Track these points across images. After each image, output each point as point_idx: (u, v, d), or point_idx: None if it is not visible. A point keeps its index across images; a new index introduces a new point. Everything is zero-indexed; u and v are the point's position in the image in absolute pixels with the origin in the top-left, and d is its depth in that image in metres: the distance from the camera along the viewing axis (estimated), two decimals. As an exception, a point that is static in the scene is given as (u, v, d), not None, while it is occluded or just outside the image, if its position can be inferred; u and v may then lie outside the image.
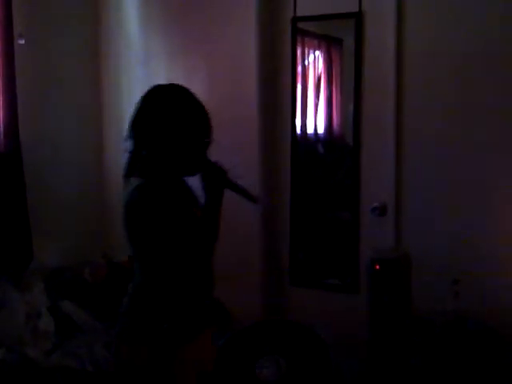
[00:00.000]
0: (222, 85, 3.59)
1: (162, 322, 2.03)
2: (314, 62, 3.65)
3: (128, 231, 2.01)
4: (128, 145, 2.06)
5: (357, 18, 3.30)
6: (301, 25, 3.50)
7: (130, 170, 2.05)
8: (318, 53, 3.66)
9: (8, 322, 3.02)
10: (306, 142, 3.64)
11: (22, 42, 3.32)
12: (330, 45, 3.67)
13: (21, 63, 3.36)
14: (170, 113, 2.01)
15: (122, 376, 2.11)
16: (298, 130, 3.59)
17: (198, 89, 3.53)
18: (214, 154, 2.14)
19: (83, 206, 3.83)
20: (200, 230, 2.03)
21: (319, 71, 3.65)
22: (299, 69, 3.58)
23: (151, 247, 2.00)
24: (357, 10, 3.29)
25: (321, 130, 3.67)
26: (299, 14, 3.47)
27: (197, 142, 2.04)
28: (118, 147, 3.82)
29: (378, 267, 2.89)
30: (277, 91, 3.60)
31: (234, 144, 3.52)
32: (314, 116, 3.64)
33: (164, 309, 2.06)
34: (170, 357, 2.03)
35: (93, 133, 3.95)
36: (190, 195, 2.14)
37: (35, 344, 3.01)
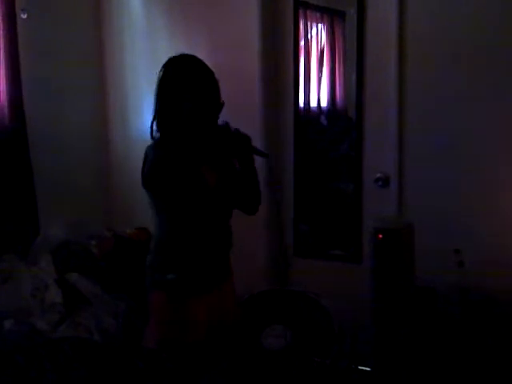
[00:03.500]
0: (223, 59, 3.52)
1: (169, 272, 2.23)
2: (317, 35, 3.64)
3: (144, 186, 2.21)
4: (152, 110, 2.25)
5: (358, -11, 3.27)
6: (303, -3, 3.47)
7: (152, 131, 2.25)
8: (320, 26, 3.65)
9: (16, 295, 3.04)
10: (309, 114, 3.66)
11: (25, 16, 3.30)
12: (332, 18, 3.66)
13: (23, 38, 3.35)
14: (182, 78, 2.20)
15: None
16: (301, 104, 3.60)
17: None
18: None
19: (88, 181, 3.84)
20: (204, 188, 2.18)
21: (322, 44, 3.64)
22: (302, 42, 3.57)
23: (160, 199, 2.21)
24: (358, -20, 3.26)
25: (324, 102, 3.67)
26: (300, -15, 3.44)
27: (207, 105, 2.21)
28: (123, 120, 3.91)
29: (380, 236, 2.90)
30: (279, 65, 3.60)
31: (236, 118, 3.54)
32: (317, 89, 3.65)
33: (172, 261, 2.26)
34: (180, 306, 2.23)
35: (97, 107, 3.95)
36: (203, 155, 2.25)
37: (43, 316, 3.03)
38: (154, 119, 2.24)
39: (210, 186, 2.21)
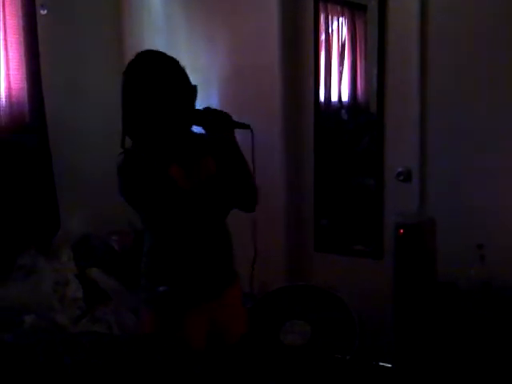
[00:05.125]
0: (243, 53, 3.58)
1: (160, 285, 2.10)
2: (338, 29, 3.62)
3: (122, 195, 2.07)
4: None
5: (380, -18, 3.23)
6: (323, -10, 3.45)
7: (123, 141, 2.11)
8: (341, 19, 3.62)
9: (37, 289, 3.06)
10: (329, 109, 3.63)
11: (44, 12, 3.30)
12: (353, 11, 3.63)
13: (43, 35, 3.34)
14: (141, 76, 2.07)
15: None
16: (322, 98, 3.58)
17: (220, 58, 3.62)
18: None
19: (108, 175, 3.83)
20: (176, 191, 2.03)
21: (343, 38, 3.61)
22: (322, 36, 3.54)
23: (141, 208, 2.07)
24: (380, -27, 3.23)
25: (345, 97, 3.65)
26: (321, -22, 3.41)
27: (178, 99, 2.05)
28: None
29: (402, 232, 2.88)
30: (300, 59, 3.58)
31: (256, 113, 3.53)
32: (338, 83, 3.62)
33: (164, 273, 2.12)
34: (172, 321, 2.10)
35: (117, 104, 3.93)
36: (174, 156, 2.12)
37: (64, 310, 3.05)
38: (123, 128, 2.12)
39: (183, 188, 2.05)
